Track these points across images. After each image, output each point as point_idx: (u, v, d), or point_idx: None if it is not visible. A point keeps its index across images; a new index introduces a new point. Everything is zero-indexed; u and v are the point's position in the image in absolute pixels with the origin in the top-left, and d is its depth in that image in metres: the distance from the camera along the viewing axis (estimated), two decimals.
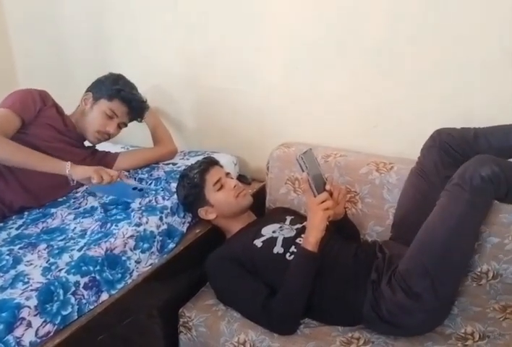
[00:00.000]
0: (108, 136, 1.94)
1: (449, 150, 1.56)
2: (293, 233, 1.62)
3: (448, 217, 1.38)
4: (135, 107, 1.95)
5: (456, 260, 1.40)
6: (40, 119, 1.80)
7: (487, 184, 1.31)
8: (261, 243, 1.59)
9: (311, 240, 1.44)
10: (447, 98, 1.72)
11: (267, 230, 1.65)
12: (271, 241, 1.59)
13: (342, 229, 1.69)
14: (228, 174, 1.78)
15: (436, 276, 1.36)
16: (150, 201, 1.77)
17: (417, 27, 1.67)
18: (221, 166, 1.81)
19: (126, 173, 1.90)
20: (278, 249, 1.56)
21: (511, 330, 1.39)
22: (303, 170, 1.40)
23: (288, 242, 1.57)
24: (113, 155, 2.04)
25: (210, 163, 1.77)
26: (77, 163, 1.71)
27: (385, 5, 1.69)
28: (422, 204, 1.56)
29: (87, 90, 1.95)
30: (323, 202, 1.42)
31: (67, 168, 1.62)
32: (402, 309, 1.40)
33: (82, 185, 1.87)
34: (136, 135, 2.24)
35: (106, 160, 2.00)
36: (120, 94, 1.89)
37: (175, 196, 1.78)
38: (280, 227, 1.66)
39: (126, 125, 1.98)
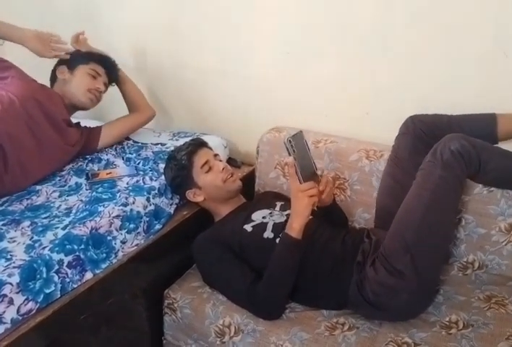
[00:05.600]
0: (99, 95, 1.98)
1: (422, 136, 1.58)
2: (283, 219, 1.60)
3: (423, 193, 1.41)
4: (110, 66, 2.03)
5: (435, 236, 1.42)
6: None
7: (457, 158, 1.37)
8: (251, 228, 1.58)
9: (295, 226, 1.40)
10: (438, 87, 1.71)
11: (257, 216, 1.63)
12: (261, 226, 1.58)
13: (330, 215, 1.68)
14: (216, 156, 1.76)
15: (416, 252, 1.38)
16: (137, 181, 1.75)
17: (410, 15, 1.64)
18: (210, 148, 1.79)
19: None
20: (268, 233, 1.55)
21: (495, 319, 1.40)
22: (290, 154, 1.33)
23: (278, 227, 1.55)
24: (96, 130, 2.01)
25: (198, 144, 1.74)
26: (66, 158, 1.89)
27: None
28: (398, 191, 1.56)
29: (57, 65, 1.98)
30: (309, 189, 1.38)
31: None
32: (385, 289, 1.40)
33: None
34: (114, 110, 2.21)
35: (91, 137, 1.99)
36: (94, 56, 1.99)
37: (163, 177, 1.76)
38: (271, 213, 1.65)
39: (107, 87, 2.04)
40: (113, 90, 2.09)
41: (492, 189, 1.56)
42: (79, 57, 1.96)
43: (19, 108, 1.73)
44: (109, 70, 2.01)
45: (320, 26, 1.81)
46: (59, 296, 1.34)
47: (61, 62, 1.97)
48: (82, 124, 2.03)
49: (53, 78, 1.98)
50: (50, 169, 1.82)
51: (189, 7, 2.04)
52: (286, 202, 1.72)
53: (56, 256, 1.35)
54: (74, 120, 2.00)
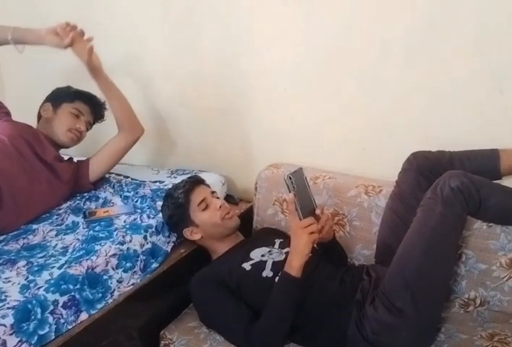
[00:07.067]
0: (79, 135, 1.96)
1: (425, 172, 1.58)
2: (282, 257, 1.58)
3: (423, 230, 1.40)
4: (96, 105, 2.02)
5: (435, 273, 1.40)
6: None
7: (457, 194, 1.36)
8: (250, 267, 1.56)
9: (294, 264, 1.39)
10: (434, 123, 1.72)
11: (256, 254, 1.62)
12: (260, 265, 1.56)
13: (329, 251, 1.66)
14: (213, 193, 1.76)
15: (416, 289, 1.35)
16: (134, 219, 1.74)
17: (406, 55, 1.67)
18: (207, 185, 1.79)
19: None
20: (267, 272, 1.53)
21: None
22: (290, 191, 1.35)
23: (277, 266, 1.53)
24: (84, 164, 1.99)
25: (195, 182, 1.74)
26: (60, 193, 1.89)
27: (373, 32, 1.69)
28: (400, 226, 1.56)
29: (43, 102, 2.00)
30: (309, 225, 1.38)
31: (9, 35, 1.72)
32: (385, 327, 1.37)
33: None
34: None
35: (81, 169, 1.98)
36: (80, 95, 1.99)
37: (160, 214, 1.75)
38: (269, 251, 1.64)
39: (91, 125, 2.03)
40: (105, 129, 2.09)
41: (492, 223, 1.55)
42: (65, 95, 1.97)
43: (10, 147, 1.75)
44: (95, 109, 2.00)
45: (317, 64, 1.84)
46: (53, 337, 1.32)
47: (45, 100, 1.99)
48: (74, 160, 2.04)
49: (39, 115, 1.99)
50: (43, 207, 1.82)
51: (188, 50, 2.07)
52: (285, 239, 1.71)
53: (51, 297, 1.33)
54: (65, 156, 2.01)
